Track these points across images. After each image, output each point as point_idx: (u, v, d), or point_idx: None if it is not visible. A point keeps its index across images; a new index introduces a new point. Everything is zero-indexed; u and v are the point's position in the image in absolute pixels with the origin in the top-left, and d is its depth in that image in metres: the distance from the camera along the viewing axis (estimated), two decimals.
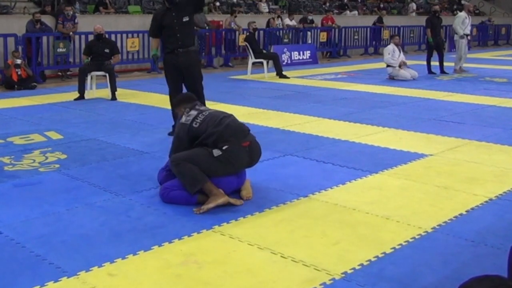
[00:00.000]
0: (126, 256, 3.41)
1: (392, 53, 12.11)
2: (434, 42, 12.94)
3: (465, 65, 13.90)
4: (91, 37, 10.79)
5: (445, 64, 13.22)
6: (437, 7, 13.96)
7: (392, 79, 12.12)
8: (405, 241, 3.63)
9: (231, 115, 4.50)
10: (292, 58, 15.64)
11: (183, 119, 4.41)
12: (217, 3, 17.39)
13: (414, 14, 23.14)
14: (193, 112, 4.43)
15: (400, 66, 12.04)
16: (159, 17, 6.42)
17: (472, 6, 14.40)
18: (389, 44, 12.57)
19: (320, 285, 3.07)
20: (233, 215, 4.06)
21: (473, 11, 13.17)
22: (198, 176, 4.13)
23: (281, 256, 3.41)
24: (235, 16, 15.77)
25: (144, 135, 6.78)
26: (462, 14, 13.21)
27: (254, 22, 13.94)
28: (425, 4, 25.19)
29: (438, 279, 3.15)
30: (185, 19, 6.23)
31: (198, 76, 6.38)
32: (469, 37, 13.10)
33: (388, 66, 12.21)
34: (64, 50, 12.46)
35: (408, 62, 12.90)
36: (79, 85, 9.56)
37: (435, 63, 13.12)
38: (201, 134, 4.26)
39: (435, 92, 10.17)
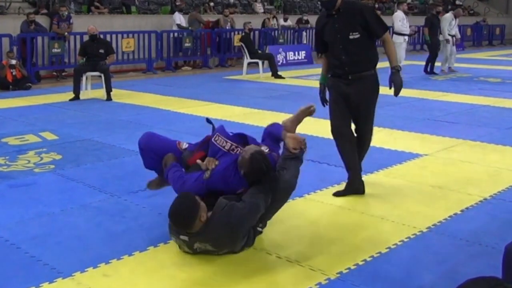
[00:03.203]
0: (122, 257, 3.40)
1: (402, 20, 11.76)
2: (432, 42, 12.98)
3: (458, 65, 13.93)
4: (86, 38, 10.76)
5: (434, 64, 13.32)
6: (440, 8, 13.98)
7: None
8: (400, 241, 3.64)
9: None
10: (287, 58, 15.65)
11: None
12: (211, 3, 17.39)
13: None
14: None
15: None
16: (320, 27, 4.56)
17: (461, 12, 14.45)
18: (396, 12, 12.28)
19: (316, 285, 3.08)
20: None
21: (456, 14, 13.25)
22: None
23: (277, 257, 3.42)
24: (226, 15, 15.79)
25: (139, 135, 6.73)
26: (448, 15, 13.27)
27: (250, 22, 13.96)
28: (420, 4, 25.24)
29: (433, 278, 3.16)
30: (353, 35, 4.33)
31: (371, 113, 4.57)
32: (454, 38, 13.15)
33: (396, 34, 11.71)
34: (59, 50, 12.42)
35: (404, 62, 12.89)
36: (74, 86, 9.54)
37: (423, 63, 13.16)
38: None
39: (430, 92, 10.19)
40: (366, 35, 4.37)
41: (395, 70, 4.38)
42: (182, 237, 3.31)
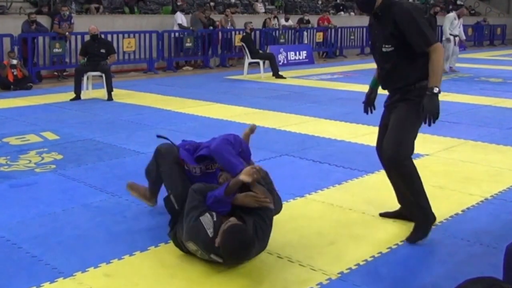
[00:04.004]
0: (122, 257, 3.41)
1: None
2: None
3: (459, 65, 13.93)
4: (87, 37, 10.77)
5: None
6: (438, 8, 14.00)
7: None
8: (401, 241, 3.64)
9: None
10: (288, 58, 15.65)
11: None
12: (212, 3, 17.41)
13: None
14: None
15: None
16: (369, 28, 3.88)
17: (464, 12, 14.46)
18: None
19: (317, 285, 3.08)
20: None
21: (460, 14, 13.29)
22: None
23: (278, 256, 3.42)
24: (226, 15, 15.81)
25: (140, 135, 6.78)
26: (451, 15, 13.29)
27: (251, 22, 13.97)
28: (421, 4, 25.24)
29: (434, 278, 3.16)
30: (386, 48, 3.53)
31: (398, 130, 3.59)
32: (457, 38, 13.15)
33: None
34: (60, 50, 12.44)
35: None
36: (75, 86, 9.55)
37: None
38: None
39: None
40: (404, 48, 3.45)
41: (430, 93, 3.38)
42: (214, 257, 3.16)
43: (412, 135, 3.62)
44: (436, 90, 3.38)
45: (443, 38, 13.40)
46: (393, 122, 3.60)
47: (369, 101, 3.99)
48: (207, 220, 3.17)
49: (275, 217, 4.04)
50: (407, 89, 3.55)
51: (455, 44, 13.20)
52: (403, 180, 3.66)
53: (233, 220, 3.14)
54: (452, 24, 12.99)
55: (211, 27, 15.18)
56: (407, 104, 3.56)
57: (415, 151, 5.87)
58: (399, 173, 3.64)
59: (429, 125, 3.43)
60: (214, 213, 3.20)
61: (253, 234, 3.12)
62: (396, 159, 3.56)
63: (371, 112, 4.00)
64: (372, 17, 3.66)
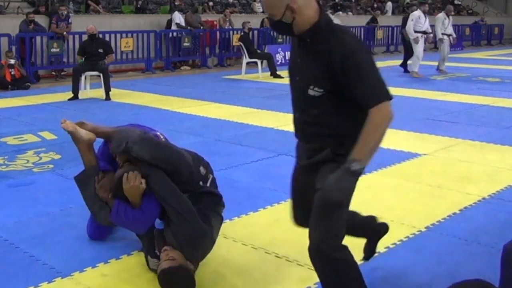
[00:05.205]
0: (120, 257, 3.41)
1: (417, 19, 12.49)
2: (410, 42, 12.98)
3: (457, 64, 13.94)
4: (85, 37, 10.77)
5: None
6: (426, 7, 14.06)
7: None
8: (398, 241, 3.65)
9: None
10: (286, 58, 15.65)
11: None
12: (211, 3, 17.40)
13: (390, 14, 23.07)
14: None
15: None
16: (291, 50, 2.76)
17: (452, 9, 14.53)
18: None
19: (315, 284, 3.08)
20: (227, 215, 4.05)
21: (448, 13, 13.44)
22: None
23: (276, 256, 3.42)
24: (225, 15, 15.80)
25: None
26: (441, 15, 13.33)
27: (249, 22, 13.97)
28: (419, 4, 25.25)
29: (432, 278, 3.17)
30: (314, 91, 2.46)
31: (332, 217, 2.40)
32: (450, 37, 13.18)
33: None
34: (58, 50, 12.42)
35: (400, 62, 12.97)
36: (73, 85, 9.54)
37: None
38: None
39: (429, 92, 10.20)
40: (341, 92, 2.37)
41: (348, 166, 2.29)
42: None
43: (346, 211, 2.49)
44: (355, 167, 2.29)
45: (437, 39, 13.45)
46: (317, 208, 2.42)
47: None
48: (152, 263, 3.12)
49: (273, 217, 4.04)
50: (339, 141, 2.45)
51: (450, 44, 13.22)
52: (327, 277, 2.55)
53: (163, 258, 2.99)
54: (444, 24, 13.02)
55: (191, 28, 14.91)
56: (339, 165, 2.33)
57: (413, 150, 5.91)
58: (326, 268, 2.52)
59: (323, 203, 2.37)
60: (154, 250, 3.13)
61: (185, 263, 2.97)
62: (325, 251, 2.43)
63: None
64: (295, 41, 2.57)
